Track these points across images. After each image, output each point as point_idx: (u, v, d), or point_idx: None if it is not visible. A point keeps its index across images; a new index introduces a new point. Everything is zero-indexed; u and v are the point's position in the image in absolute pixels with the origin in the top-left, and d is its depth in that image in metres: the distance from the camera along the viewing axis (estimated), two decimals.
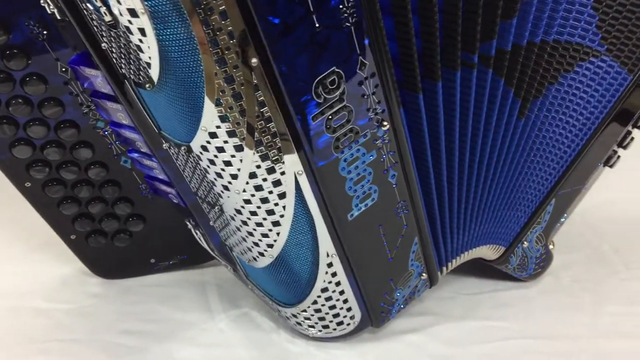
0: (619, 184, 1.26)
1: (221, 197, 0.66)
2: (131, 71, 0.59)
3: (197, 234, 0.86)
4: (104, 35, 0.57)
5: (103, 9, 0.52)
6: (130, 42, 0.53)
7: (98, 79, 0.67)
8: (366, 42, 0.58)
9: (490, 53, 0.68)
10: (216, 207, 0.70)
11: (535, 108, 0.79)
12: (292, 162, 0.62)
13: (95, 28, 0.59)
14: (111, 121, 0.74)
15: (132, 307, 0.93)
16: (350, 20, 0.56)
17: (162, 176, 0.77)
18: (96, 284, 0.97)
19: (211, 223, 0.76)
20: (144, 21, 0.50)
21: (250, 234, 0.69)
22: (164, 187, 0.80)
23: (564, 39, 0.75)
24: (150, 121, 0.65)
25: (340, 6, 0.54)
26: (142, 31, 0.51)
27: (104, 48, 0.60)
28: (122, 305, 0.93)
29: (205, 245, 0.86)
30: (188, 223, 0.86)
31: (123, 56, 0.58)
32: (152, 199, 0.87)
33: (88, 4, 0.54)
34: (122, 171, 0.83)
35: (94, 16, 0.56)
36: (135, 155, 0.77)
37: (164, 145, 0.66)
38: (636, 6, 0.76)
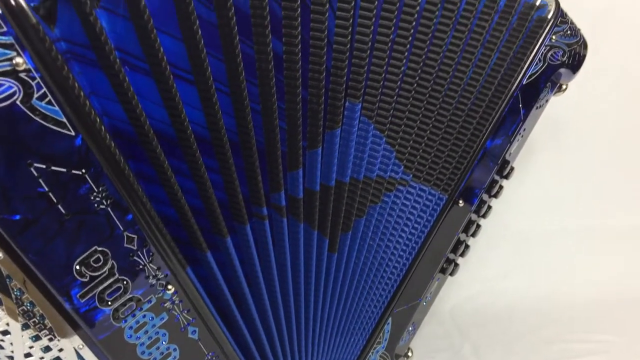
0: (484, 274, 1.30)
1: None
2: None
3: None
4: None
5: None
6: None
7: None
8: (129, 217, 0.58)
9: (281, 203, 0.70)
10: None
11: (347, 241, 0.80)
12: (69, 340, 0.60)
13: None
14: None
15: None
16: (106, 203, 0.56)
17: None
18: None
19: None
20: None
21: None
22: None
23: (361, 176, 0.77)
24: None
25: (90, 192, 0.55)
26: None
27: None
28: None
29: None
30: None
31: None
32: None
33: None
34: None
35: None
36: None
37: None
38: (435, 134, 0.80)
